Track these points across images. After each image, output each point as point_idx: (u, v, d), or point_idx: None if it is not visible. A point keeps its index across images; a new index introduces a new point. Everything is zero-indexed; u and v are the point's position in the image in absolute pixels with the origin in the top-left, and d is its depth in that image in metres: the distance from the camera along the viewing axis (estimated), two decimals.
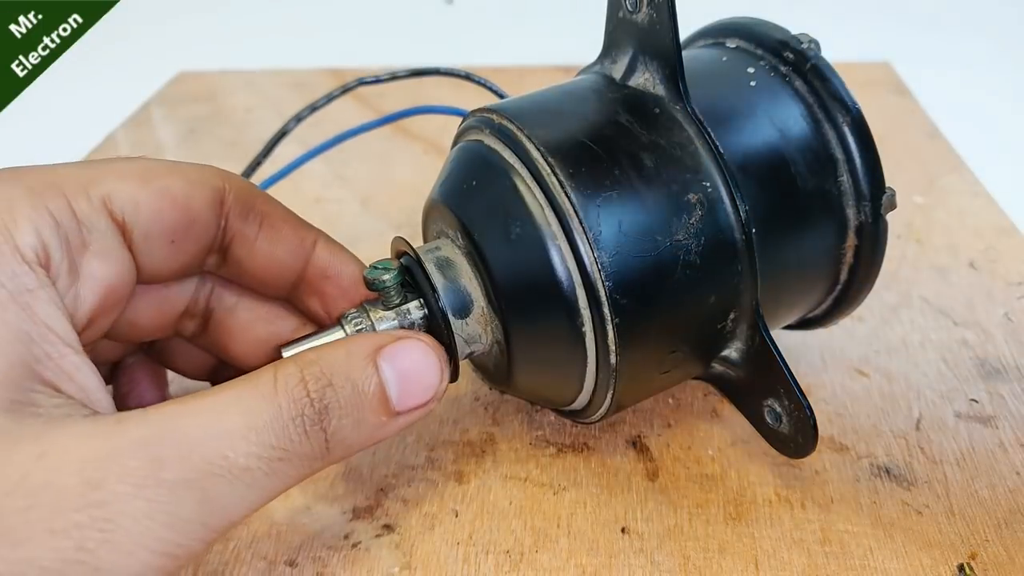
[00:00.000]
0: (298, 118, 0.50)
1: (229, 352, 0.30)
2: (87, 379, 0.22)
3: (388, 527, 0.30)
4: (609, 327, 0.27)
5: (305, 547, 0.29)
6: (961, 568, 0.28)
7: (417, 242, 0.31)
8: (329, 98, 0.50)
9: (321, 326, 0.29)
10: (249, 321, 0.30)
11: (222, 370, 0.32)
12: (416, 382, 0.25)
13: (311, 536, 0.30)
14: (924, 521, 0.30)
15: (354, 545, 0.29)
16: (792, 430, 0.30)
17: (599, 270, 0.26)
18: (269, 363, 0.24)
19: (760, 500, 0.31)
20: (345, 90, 0.50)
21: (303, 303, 0.30)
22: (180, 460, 0.21)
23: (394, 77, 0.52)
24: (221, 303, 0.30)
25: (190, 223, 0.26)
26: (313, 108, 0.50)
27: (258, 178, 0.47)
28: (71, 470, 0.20)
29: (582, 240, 0.26)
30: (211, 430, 0.22)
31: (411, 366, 0.25)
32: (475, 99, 0.38)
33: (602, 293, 0.26)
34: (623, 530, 0.30)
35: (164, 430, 0.21)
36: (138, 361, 0.31)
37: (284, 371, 0.23)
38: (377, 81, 0.51)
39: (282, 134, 0.49)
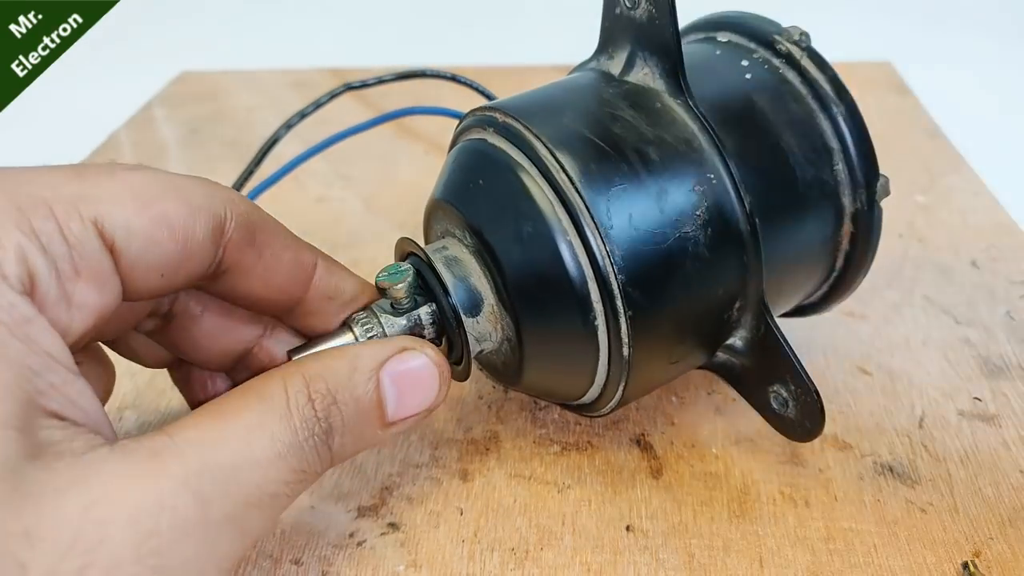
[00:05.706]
0: (288, 125, 0.50)
1: (189, 355, 0.29)
2: (89, 403, 0.21)
3: (393, 525, 0.30)
4: (622, 320, 0.27)
5: (310, 546, 0.29)
6: (965, 566, 0.28)
7: (419, 241, 0.31)
8: (317, 105, 0.50)
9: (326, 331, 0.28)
10: (213, 329, 0.28)
11: (182, 362, 0.31)
12: (414, 395, 0.26)
13: (316, 535, 0.30)
14: (928, 519, 0.30)
15: (359, 543, 0.30)
16: (799, 414, 0.30)
17: (612, 264, 0.26)
18: (263, 369, 0.24)
19: (764, 498, 0.31)
20: (332, 96, 0.50)
21: (298, 322, 0.29)
22: (222, 497, 0.21)
23: (381, 81, 0.53)
24: (186, 310, 0.28)
25: (186, 257, 0.24)
26: (303, 115, 0.50)
27: (257, 179, 0.47)
28: (123, 521, 0.19)
29: (594, 235, 0.26)
30: (242, 460, 0.21)
31: (412, 380, 0.26)
32: (473, 101, 0.38)
33: (615, 287, 0.26)
34: (628, 528, 0.30)
35: (202, 465, 0.21)
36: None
37: (293, 387, 0.23)
38: (364, 85, 0.52)
39: (273, 141, 0.50)
